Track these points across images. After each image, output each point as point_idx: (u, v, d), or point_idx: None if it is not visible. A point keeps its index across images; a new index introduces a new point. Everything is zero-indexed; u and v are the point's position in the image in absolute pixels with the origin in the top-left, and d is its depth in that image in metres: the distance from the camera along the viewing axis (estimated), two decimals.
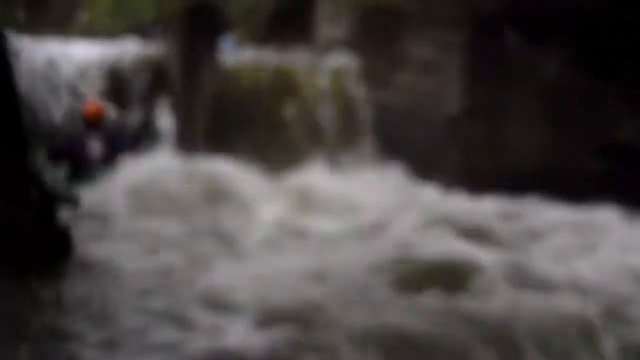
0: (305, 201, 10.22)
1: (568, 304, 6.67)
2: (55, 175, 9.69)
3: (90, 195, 8.92)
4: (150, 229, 8.45)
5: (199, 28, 11.84)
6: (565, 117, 11.24)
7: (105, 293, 6.28)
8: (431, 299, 6.71)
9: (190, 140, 11.79)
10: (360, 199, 10.32)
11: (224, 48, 13.42)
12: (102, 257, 6.89)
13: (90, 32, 16.21)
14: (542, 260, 8.00)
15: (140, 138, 11.63)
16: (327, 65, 13.11)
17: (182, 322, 6.02)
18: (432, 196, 10.81)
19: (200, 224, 8.96)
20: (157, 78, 12.44)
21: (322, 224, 9.39)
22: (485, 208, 10.17)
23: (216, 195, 10.03)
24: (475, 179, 11.09)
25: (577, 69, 11.26)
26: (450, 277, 7.24)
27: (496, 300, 6.75)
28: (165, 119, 12.09)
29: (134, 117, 12.08)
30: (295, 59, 13.26)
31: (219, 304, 6.39)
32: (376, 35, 12.59)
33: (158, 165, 10.68)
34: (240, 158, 11.27)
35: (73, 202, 5.73)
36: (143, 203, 9.29)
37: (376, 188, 10.96)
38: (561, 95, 11.27)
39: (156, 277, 6.89)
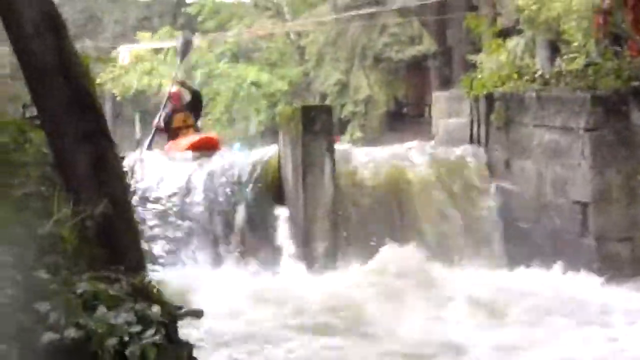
0: None
1: None
2: None
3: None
4: None
5: (314, 129, 11.82)
6: None
7: None
8: None
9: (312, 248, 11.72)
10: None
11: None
12: None
13: None
14: None
15: None
16: (446, 158, 12.95)
17: None
18: None
19: None
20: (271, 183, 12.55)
21: None
22: None
23: None
24: (612, 267, 10.61)
25: None
26: None
27: None
28: (283, 227, 12.05)
29: None
30: (413, 154, 13.11)
31: None
32: (498, 123, 12.38)
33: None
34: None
35: (196, 314, 5.52)
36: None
37: None
38: None
39: None
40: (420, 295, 9.86)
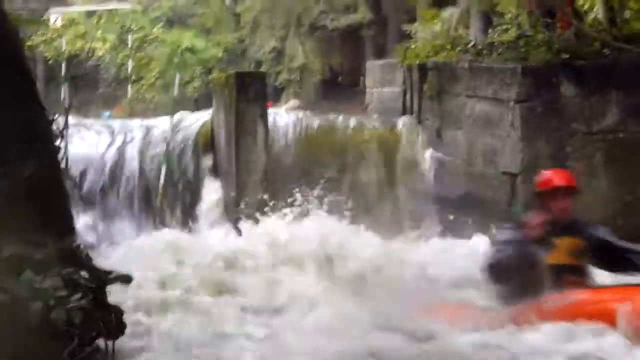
0: None
1: None
2: None
3: None
4: None
5: (248, 96, 11.80)
6: (630, 168, 10.91)
7: None
8: None
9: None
10: None
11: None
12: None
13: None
14: None
15: None
16: (378, 126, 13.03)
17: None
18: None
19: None
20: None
21: None
22: None
23: None
24: None
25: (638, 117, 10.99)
26: None
27: None
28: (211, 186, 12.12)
29: None
30: (346, 121, 13.17)
31: None
32: (430, 93, 12.47)
33: None
34: None
35: (126, 280, 5.52)
36: None
37: None
38: (623, 145, 10.99)
39: None
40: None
